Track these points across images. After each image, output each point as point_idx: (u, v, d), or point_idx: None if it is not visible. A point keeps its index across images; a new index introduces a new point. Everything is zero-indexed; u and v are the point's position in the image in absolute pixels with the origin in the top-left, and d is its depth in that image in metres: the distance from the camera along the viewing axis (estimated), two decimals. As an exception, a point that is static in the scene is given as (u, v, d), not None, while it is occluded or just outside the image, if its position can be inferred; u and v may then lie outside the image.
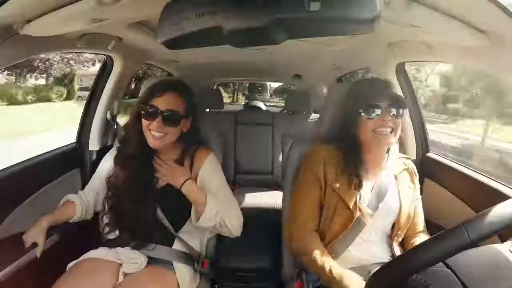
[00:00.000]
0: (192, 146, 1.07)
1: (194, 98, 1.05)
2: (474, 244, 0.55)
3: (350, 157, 0.96)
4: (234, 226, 1.05)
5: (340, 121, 1.01)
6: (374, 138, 0.92)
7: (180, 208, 1.03)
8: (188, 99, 1.02)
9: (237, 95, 14.55)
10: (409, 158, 1.08)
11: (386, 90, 0.95)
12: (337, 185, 0.94)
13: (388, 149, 0.99)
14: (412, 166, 1.05)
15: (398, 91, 1.32)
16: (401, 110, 0.93)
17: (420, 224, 1.03)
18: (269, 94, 10.68)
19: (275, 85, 10.64)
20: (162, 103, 0.97)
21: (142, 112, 0.99)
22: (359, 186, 0.93)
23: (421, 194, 1.06)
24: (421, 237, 1.00)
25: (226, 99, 12.36)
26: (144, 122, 0.99)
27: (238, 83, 12.07)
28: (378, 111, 0.91)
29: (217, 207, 1.00)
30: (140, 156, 1.02)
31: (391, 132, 0.92)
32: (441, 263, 0.58)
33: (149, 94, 0.99)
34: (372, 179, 0.98)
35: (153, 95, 0.98)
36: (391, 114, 0.91)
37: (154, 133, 0.97)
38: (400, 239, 1.00)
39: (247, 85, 10.32)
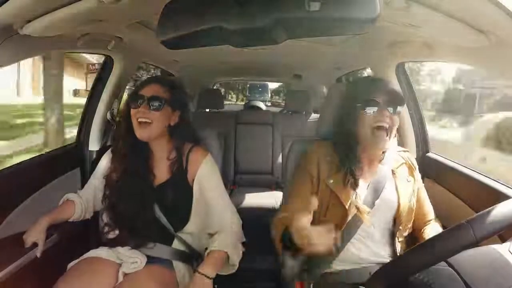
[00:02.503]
0: (184, 143, 1.07)
1: (182, 93, 1.07)
2: (479, 242, 0.55)
3: (346, 155, 0.96)
4: (239, 235, 1.06)
5: (339, 118, 1.02)
6: (371, 139, 0.93)
7: (178, 207, 1.03)
8: (174, 91, 1.04)
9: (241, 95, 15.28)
10: (407, 151, 1.07)
11: (384, 87, 0.95)
12: (331, 181, 0.95)
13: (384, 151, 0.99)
14: (411, 159, 1.04)
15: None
16: (398, 107, 0.93)
17: (429, 213, 1.02)
18: (269, 95, 10.65)
19: (273, 86, 10.61)
20: (147, 91, 1.00)
21: (130, 103, 1.01)
22: (355, 185, 0.93)
23: None
24: (432, 226, 0.99)
25: (234, 98, 14.36)
26: (132, 112, 1.00)
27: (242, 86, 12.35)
28: (375, 107, 0.92)
29: (227, 241, 1.01)
30: (132, 153, 1.02)
31: (387, 136, 0.92)
32: (443, 262, 0.58)
33: (137, 88, 1.03)
34: (368, 176, 0.97)
35: (140, 87, 1.02)
36: (388, 110, 0.92)
37: (140, 120, 0.98)
38: (405, 234, 0.99)
39: (248, 86, 10.32)
